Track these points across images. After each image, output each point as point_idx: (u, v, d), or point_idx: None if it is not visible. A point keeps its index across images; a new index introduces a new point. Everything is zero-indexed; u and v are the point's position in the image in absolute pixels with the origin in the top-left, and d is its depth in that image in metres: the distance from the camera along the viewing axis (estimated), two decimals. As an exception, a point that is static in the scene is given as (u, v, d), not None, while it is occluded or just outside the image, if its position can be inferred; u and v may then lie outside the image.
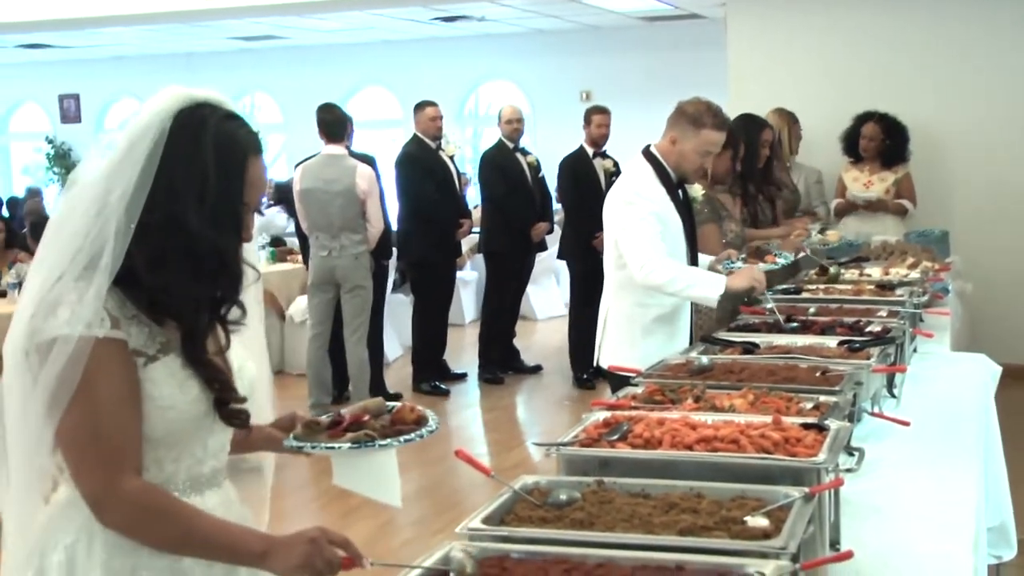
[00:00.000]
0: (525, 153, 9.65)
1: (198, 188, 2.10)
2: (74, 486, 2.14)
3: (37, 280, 2.12)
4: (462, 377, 9.88)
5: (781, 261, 4.89)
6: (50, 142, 18.26)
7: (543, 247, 9.95)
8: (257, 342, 2.47)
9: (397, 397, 8.87)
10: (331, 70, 16.39)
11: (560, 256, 9.83)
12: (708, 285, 4.52)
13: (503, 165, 9.54)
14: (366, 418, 2.39)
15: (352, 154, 8.48)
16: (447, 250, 9.48)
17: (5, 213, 14.00)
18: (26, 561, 2.18)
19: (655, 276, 4.52)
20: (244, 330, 2.35)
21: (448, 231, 9.32)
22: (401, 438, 2.35)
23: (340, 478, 2.38)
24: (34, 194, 15.84)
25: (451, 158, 9.46)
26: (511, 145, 9.58)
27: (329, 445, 2.31)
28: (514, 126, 9.59)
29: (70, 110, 18.46)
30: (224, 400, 2.22)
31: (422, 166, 9.19)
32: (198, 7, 12.21)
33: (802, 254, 5.78)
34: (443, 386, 9.44)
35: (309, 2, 12.42)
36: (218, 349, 2.29)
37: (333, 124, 8.19)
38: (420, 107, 9.38)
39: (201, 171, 2.10)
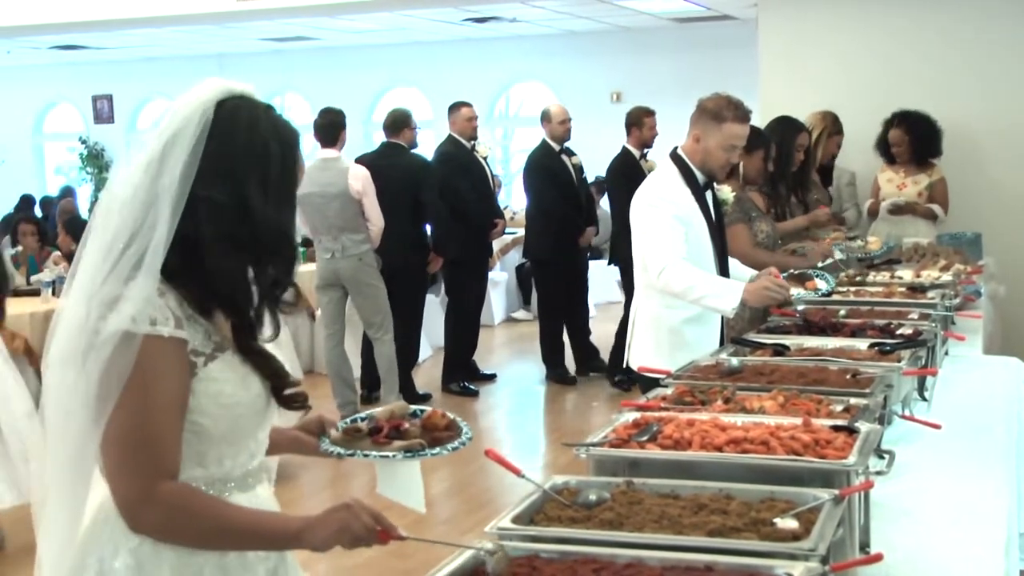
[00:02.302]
0: (570, 154, 9.47)
1: (260, 173, 2.14)
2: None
3: (86, 277, 2.11)
4: (491, 378, 9.88)
5: (822, 287, 4.86)
6: (83, 142, 18.38)
7: (597, 254, 9.81)
8: (286, 343, 2.47)
9: (426, 398, 8.91)
10: (362, 71, 16.44)
11: (611, 261, 9.75)
12: (724, 296, 4.47)
13: (552, 168, 9.36)
14: (406, 425, 2.37)
15: (412, 154, 8.74)
16: (481, 250, 9.50)
17: (38, 213, 14.12)
18: (78, 569, 2.15)
19: (673, 283, 4.50)
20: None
21: (482, 231, 9.35)
22: (448, 446, 2.32)
23: (383, 486, 2.34)
24: (67, 193, 15.96)
25: (484, 159, 9.48)
26: (557, 147, 9.39)
27: (383, 454, 2.27)
28: (567, 126, 9.38)
29: (103, 111, 18.58)
30: (280, 386, 2.23)
31: (458, 166, 9.19)
32: (230, 8, 12.26)
33: (829, 260, 5.75)
34: (472, 386, 9.44)
35: (340, 3, 12.45)
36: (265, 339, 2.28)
37: (323, 128, 8.28)
38: (456, 108, 9.38)
39: (263, 157, 2.15)
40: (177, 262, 2.10)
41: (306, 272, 10.34)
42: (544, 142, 9.47)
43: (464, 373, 9.56)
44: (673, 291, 4.53)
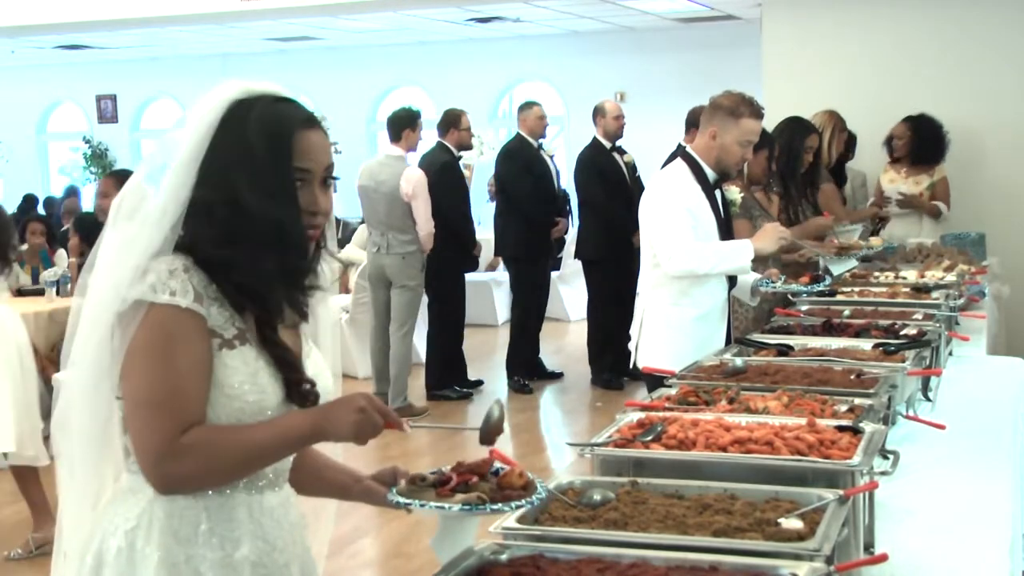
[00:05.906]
0: (622, 152, 9.31)
1: (248, 166, 2.16)
2: (133, 454, 2.16)
3: (108, 261, 2.19)
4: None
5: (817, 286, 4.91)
6: (87, 142, 18.37)
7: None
8: (331, 350, 2.47)
9: (479, 383, 9.30)
10: (366, 71, 16.44)
11: None
12: (737, 256, 4.62)
13: (602, 166, 9.17)
14: (473, 480, 2.27)
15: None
16: (542, 248, 9.57)
17: (41, 212, 14.14)
18: (86, 544, 2.21)
19: (687, 263, 4.58)
20: (321, 340, 2.39)
21: (544, 229, 9.46)
22: (513, 503, 2.19)
23: (437, 540, 2.22)
24: (72, 193, 15.97)
25: (551, 157, 9.61)
26: (608, 144, 9.21)
27: (439, 505, 2.17)
28: (621, 122, 9.20)
29: (107, 110, 18.58)
30: (294, 381, 2.23)
31: (522, 164, 9.26)
32: (234, 8, 12.27)
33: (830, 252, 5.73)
34: (528, 384, 9.54)
35: (344, 3, 12.46)
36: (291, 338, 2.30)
37: (387, 124, 8.53)
38: (528, 106, 9.41)
39: (247, 149, 2.16)
40: (208, 254, 2.16)
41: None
42: (595, 139, 9.29)
43: (525, 369, 9.61)
44: (689, 269, 4.61)
